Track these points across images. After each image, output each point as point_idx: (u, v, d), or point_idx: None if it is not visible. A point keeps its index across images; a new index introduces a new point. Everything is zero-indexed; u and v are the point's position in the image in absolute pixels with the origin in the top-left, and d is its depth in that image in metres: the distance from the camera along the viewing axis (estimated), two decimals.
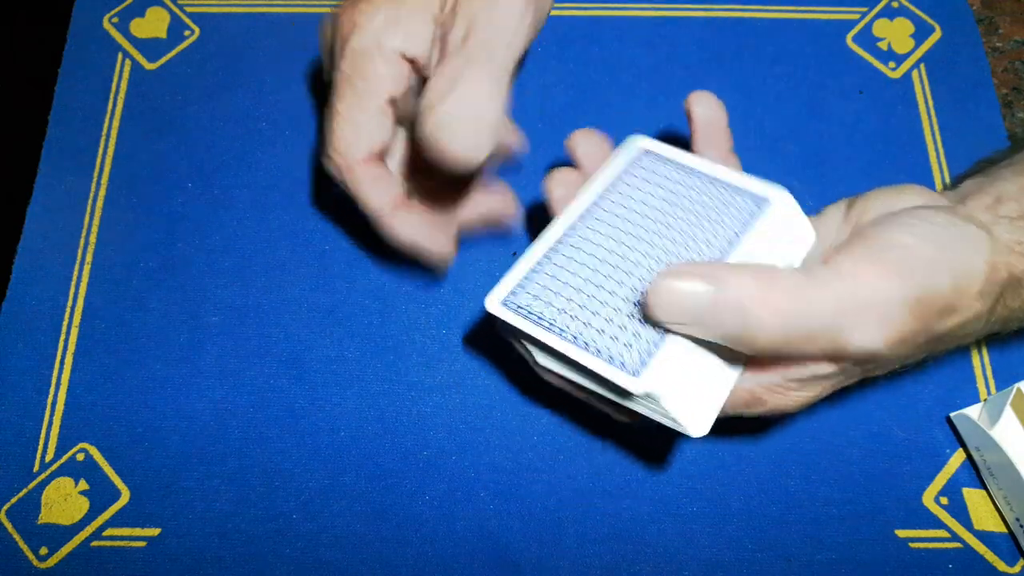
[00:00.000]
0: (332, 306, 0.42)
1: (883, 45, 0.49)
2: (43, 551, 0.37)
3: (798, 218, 0.30)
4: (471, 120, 0.28)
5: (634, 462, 0.40)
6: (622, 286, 0.28)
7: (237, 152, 0.46)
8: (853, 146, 0.46)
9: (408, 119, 0.34)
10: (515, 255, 0.32)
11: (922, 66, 0.49)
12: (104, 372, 0.41)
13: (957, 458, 0.40)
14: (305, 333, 0.42)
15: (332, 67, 0.33)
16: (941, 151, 0.46)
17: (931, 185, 0.45)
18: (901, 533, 0.38)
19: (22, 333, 0.41)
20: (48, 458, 0.39)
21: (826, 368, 0.28)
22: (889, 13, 0.50)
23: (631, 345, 0.27)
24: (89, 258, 0.43)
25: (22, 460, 0.39)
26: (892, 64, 0.49)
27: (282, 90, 0.47)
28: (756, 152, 0.46)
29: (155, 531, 0.38)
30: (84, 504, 0.38)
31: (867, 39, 0.49)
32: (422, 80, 0.33)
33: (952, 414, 0.40)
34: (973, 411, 0.38)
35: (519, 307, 0.29)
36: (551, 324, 0.28)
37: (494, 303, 0.29)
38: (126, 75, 0.48)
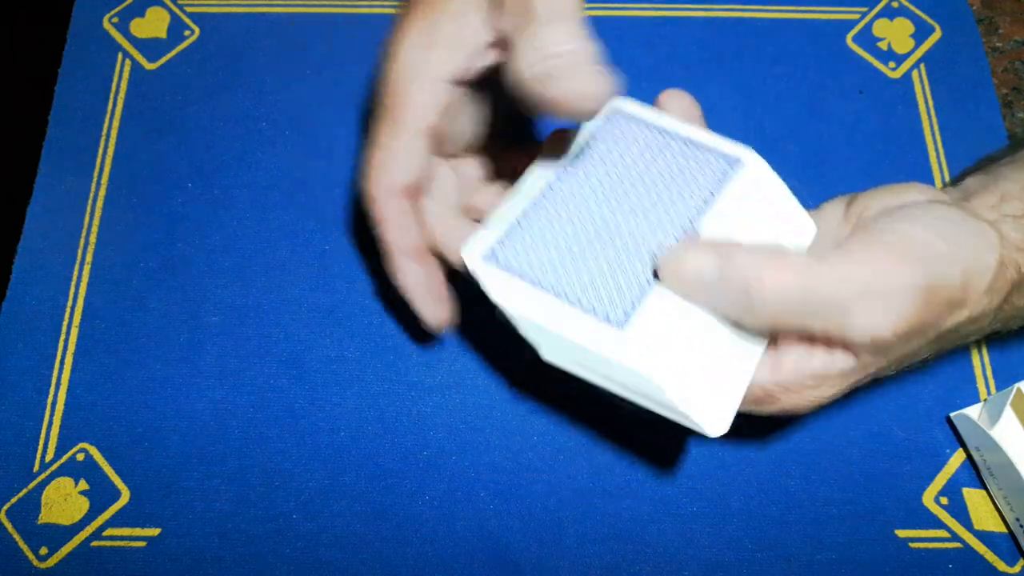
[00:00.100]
0: (332, 306, 0.42)
1: (883, 45, 0.49)
2: (43, 551, 0.37)
3: (772, 182, 0.30)
4: (579, 54, 0.26)
5: (634, 462, 0.40)
6: (602, 245, 0.28)
7: (237, 152, 0.46)
8: (853, 146, 0.46)
9: (457, 140, 0.34)
10: None
11: (922, 66, 0.49)
12: (104, 372, 0.41)
13: (957, 458, 0.40)
14: (305, 333, 0.42)
15: (378, 98, 0.32)
16: (941, 151, 0.46)
17: (931, 185, 0.45)
18: (901, 533, 0.38)
19: (22, 333, 0.41)
20: (48, 458, 0.39)
21: (840, 361, 0.27)
22: (889, 13, 0.50)
23: (615, 303, 0.26)
24: (89, 258, 0.43)
25: (22, 460, 0.39)
26: (892, 64, 0.49)
27: (282, 90, 0.47)
28: (756, 152, 0.46)
29: (155, 531, 0.38)
30: (84, 504, 0.38)
31: (867, 39, 0.49)
32: (471, 85, 0.32)
33: (952, 414, 0.40)
34: (973, 411, 0.38)
35: (498, 262, 0.28)
36: (533, 281, 0.27)
37: (474, 258, 0.28)
38: (126, 75, 0.48)
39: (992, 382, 0.41)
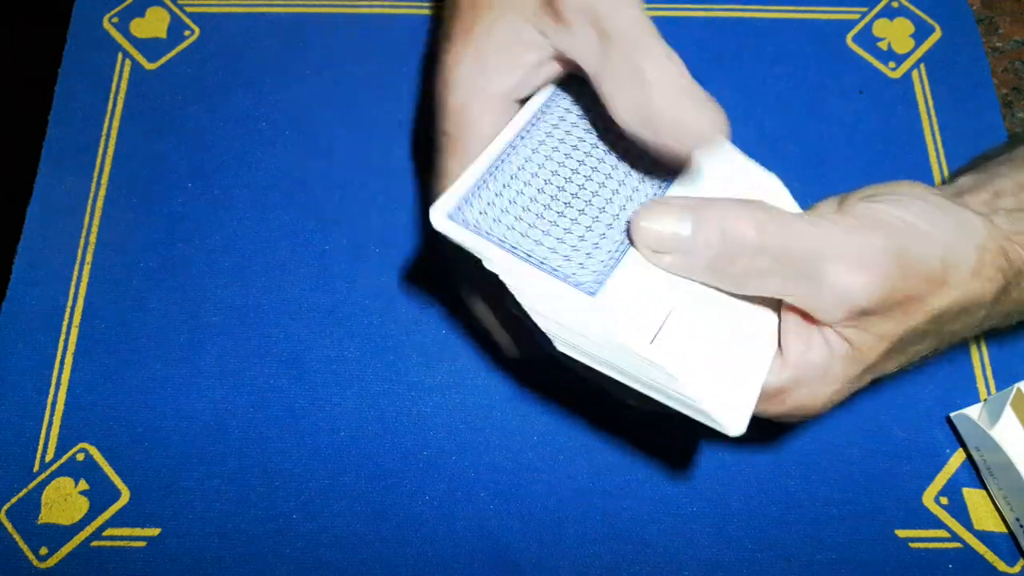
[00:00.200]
0: (332, 306, 0.42)
1: (883, 45, 0.49)
2: (43, 551, 0.37)
3: (736, 156, 0.30)
4: (685, 96, 0.26)
5: (634, 462, 0.40)
6: (570, 204, 0.27)
7: (237, 152, 0.46)
8: (853, 146, 0.46)
9: None
10: None
11: (922, 66, 0.49)
12: (104, 372, 0.41)
13: (957, 458, 0.40)
14: (305, 333, 0.42)
15: (437, 127, 0.31)
16: (941, 151, 0.46)
17: (931, 185, 0.45)
18: (901, 533, 0.38)
19: (22, 333, 0.41)
20: (48, 458, 0.39)
21: (838, 347, 0.27)
22: (889, 13, 0.50)
23: (584, 265, 0.26)
24: (89, 258, 0.43)
25: (22, 460, 0.39)
26: (892, 64, 0.49)
27: (282, 90, 0.47)
28: (756, 152, 0.46)
29: (155, 531, 0.38)
30: (84, 504, 0.38)
31: (867, 39, 0.49)
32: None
33: (952, 414, 0.40)
34: (973, 411, 0.38)
35: (466, 221, 0.27)
36: (501, 240, 0.26)
37: (440, 217, 0.27)
38: (126, 75, 0.48)
39: (992, 382, 0.41)
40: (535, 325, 0.28)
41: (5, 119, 0.48)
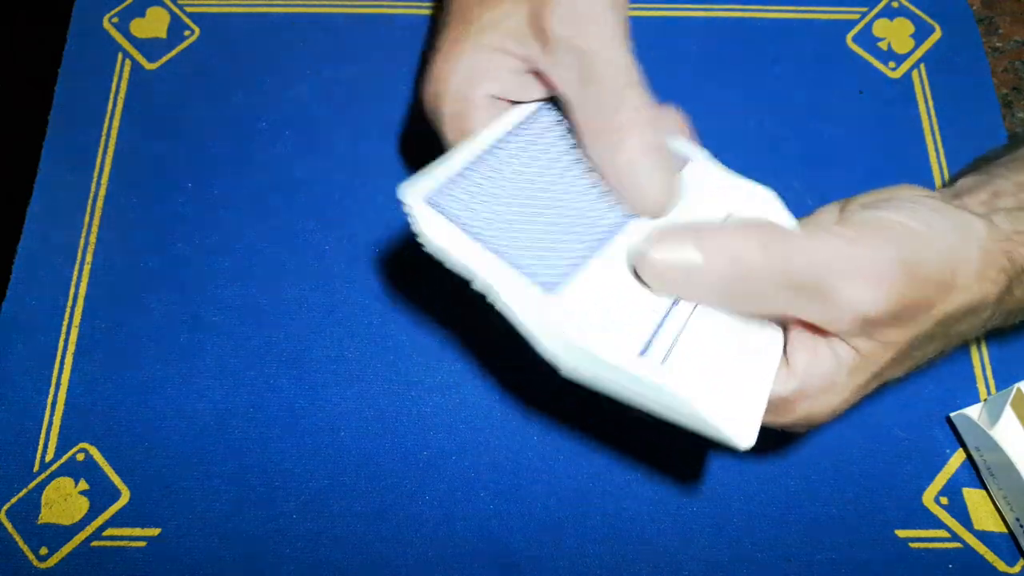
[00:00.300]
0: (332, 306, 0.42)
1: (883, 45, 0.49)
2: (43, 551, 0.37)
3: (715, 169, 0.30)
4: (645, 158, 0.27)
5: (634, 462, 0.40)
6: (545, 211, 0.27)
7: (237, 152, 0.46)
8: (853, 146, 0.46)
9: None
10: None
11: (922, 66, 0.49)
12: (104, 372, 0.41)
13: (957, 458, 0.40)
14: (305, 333, 0.42)
15: (440, 134, 0.32)
16: (941, 151, 0.46)
17: (931, 185, 0.45)
18: (901, 533, 0.38)
19: (22, 333, 0.41)
20: (48, 458, 0.39)
21: (846, 357, 0.27)
22: (889, 13, 0.50)
23: (553, 265, 0.26)
24: (89, 258, 0.43)
25: (22, 460, 0.39)
26: (892, 64, 0.49)
27: (282, 90, 0.47)
28: (756, 152, 0.46)
29: (155, 531, 0.38)
30: (84, 504, 0.38)
31: (867, 39, 0.49)
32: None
33: (952, 414, 0.40)
34: (973, 411, 0.38)
35: (439, 205, 0.26)
36: (474, 233, 0.26)
37: (415, 197, 0.26)
38: (126, 75, 0.48)
39: (992, 382, 0.41)
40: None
41: (5, 119, 0.48)
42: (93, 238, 0.43)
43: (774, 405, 0.28)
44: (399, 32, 0.49)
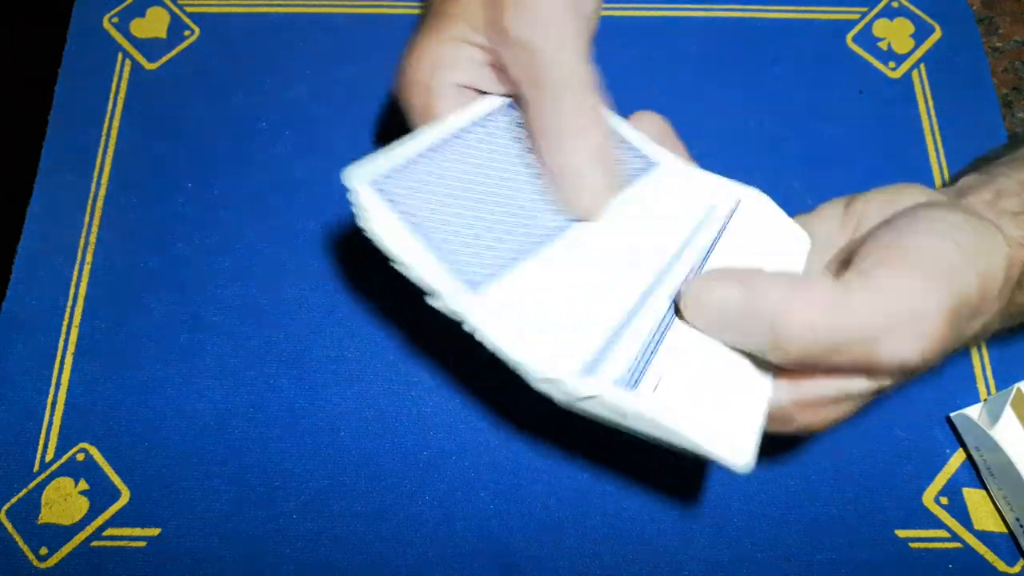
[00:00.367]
0: (332, 306, 0.42)
1: (883, 45, 0.49)
2: (43, 551, 0.37)
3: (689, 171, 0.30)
4: (588, 162, 0.27)
5: (634, 462, 0.40)
6: (495, 204, 0.27)
7: (237, 152, 0.46)
8: (853, 146, 0.46)
9: None
10: None
11: (922, 66, 0.49)
12: (104, 372, 0.41)
13: (957, 458, 0.40)
14: (305, 333, 0.42)
15: (411, 126, 0.32)
16: (941, 151, 0.46)
17: (931, 185, 0.45)
18: (901, 533, 0.38)
19: (22, 333, 0.41)
20: (48, 458, 0.39)
21: (861, 384, 0.27)
22: (889, 13, 0.50)
23: (486, 263, 0.25)
24: (89, 258, 0.43)
25: (22, 460, 0.39)
26: (892, 64, 0.49)
27: (282, 90, 0.47)
28: (756, 152, 0.46)
29: (155, 531, 0.38)
30: (84, 504, 0.38)
31: (867, 39, 0.49)
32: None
33: (952, 414, 0.40)
34: (973, 411, 0.38)
35: (382, 191, 0.26)
36: (413, 224, 0.26)
37: (359, 180, 0.26)
38: (126, 75, 0.48)
39: (992, 382, 0.41)
40: None
41: (5, 119, 0.48)
42: (93, 238, 0.43)
43: (773, 417, 0.28)
44: (399, 32, 0.49)
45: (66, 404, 0.40)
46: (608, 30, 0.49)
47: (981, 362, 0.42)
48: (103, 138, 0.46)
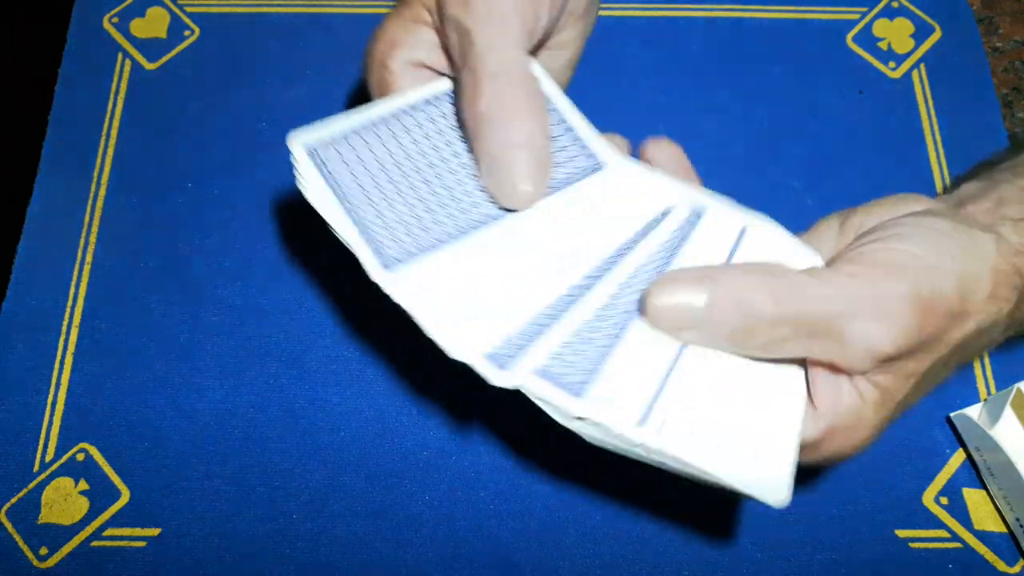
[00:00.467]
0: (332, 306, 0.42)
1: (883, 45, 0.49)
2: (43, 551, 0.37)
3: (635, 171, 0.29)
4: (504, 150, 0.27)
5: (634, 463, 0.40)
6: (428, 185, 0.27)
7: (237, 152, 0.46)
8: (853, 146, 0.46)
9: None
10: None
11: (922, 66, 0.49)
12: (104, 372, 0.41)
13: (957, 458, 0.40)
14: (305, 333, 0.42)
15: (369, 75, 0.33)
16: (941, 151, 0.46)
17: (931, 185, 0.45)
18: (901, 533, 0.38)
19: (22, 333, 0.41)
20: (48, 458, 0.39)
21: (868, 393, 0.27)
22: (889, 13, 0.50)
23: (407, 245, 0.25)
24: (89, 258, 0.43)
25: (22, 460, 0.39)
26: (892, 64, 0.49)
27: (282, 90, 0.47)
28: (756, 152, 0.46)
29: (155, 531, 0.38)
30: (84, 504, 0.38)
31: (867, 39, 0.49)
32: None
33: (952, 414, 0.40)
34: (973, 411, 0.38)
35: (318, 157, 0.26)
36: (336, 188, 0.26)
37: (297, 144, 0.27)
38: (126, 75, 0.48)
39: (992, 382, 0.41)
40: None
41: (5, 119, 0.48)
42: (93, 238, 0.43)
43: (802, 446, 0.28)
44: None
45: (66, 404, 0.40)
46: (608, 30, 0.49)
47: (981, 362, 0.42)
48: (103, 138, 0.46)
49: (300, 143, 0.27)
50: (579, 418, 0.24)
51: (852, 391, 0.27)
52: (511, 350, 0.24)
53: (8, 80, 0.49)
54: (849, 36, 0.49)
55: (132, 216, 0.44)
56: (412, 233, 0.26)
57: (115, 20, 0.49)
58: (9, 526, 0.38)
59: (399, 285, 0.24)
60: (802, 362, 0.28)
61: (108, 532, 0.38)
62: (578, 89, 0.47)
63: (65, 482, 0.39)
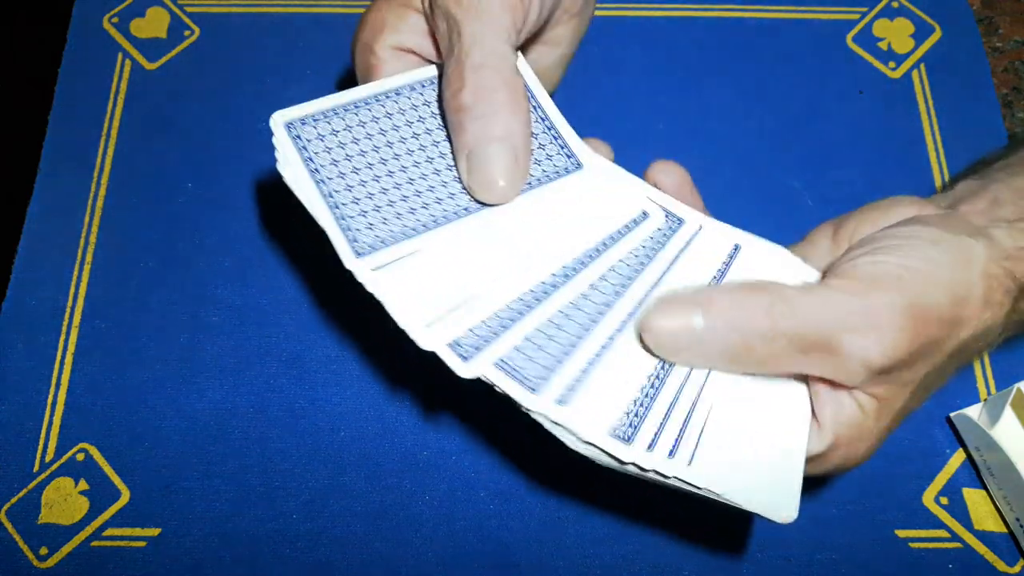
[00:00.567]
0: (332, 306, 0.42)
1: (883, 45, 0.49)
2: (43, 551, 0.37)
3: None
4: (483, 143, 0.27)
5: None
6: (405, 173, 0.27)
7: (237, 152, 0.46)
8: (853, 146, 0.46)
9: None
10: None
11: (922, 66, 0.49)
12: (104, 372, 0.41)
13: (957, 458, 0.40)
14: (305, 333, 0.42)
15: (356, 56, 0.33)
16: (941, 151, 0.46)
17: (931, 185, 0.45)
18: (901, 533, 0.38)
19: (22, 333, 0.41)
20: (48, 458, 0.39)
21: (867, 403, 0.27)
22: (889, 13, 0.50)
23: (379, 232, 0.25)
24: (89, 258, 0.43)
25: (22, 460, 0.39)
26: (892, 64, 0.49)
27: (282, 90, 0.47)
28: (756, 152, 0.46)
29: (155, 531, 0.38)
30: (84, 504, 0.38)
31: (867, 39, 0.49)
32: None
33: (952, 414, 0.40)
34: (973, 411, 0.38)
35: (297, 135, 0.27)
36: (313, 168, 0.26)
37: (278, 121, 0.27)
38: (126, 75, 0.48)
39: (992, 382, 0.41)
40: None
41: (5, 119, 0.48)
42: (93, 238, 0.43)
43: (807, 459, 0.28)
44: None
45: (66, 404, 0.40)
46: (608, 30, 0.49)
47: (981, 362, 0.42)
48: (103, 138, 0.46)
49: (280, 119, 0.27)
50: (588, 442, 0.25)
51: (852, 404, 0.28)
52: (477, 342, 0.24)
53: (8, 80, 0.49)
54: (849, 36, 0.49)
55: (132, 216, 0.44)
56: (387, 220, 0.26)
57: (115, 20, 0.49)
58: (9, 526, 0.38)
59: (371, 272, 0.25)
60: (804, 378, 0.28)
61: (108, 532, 0.38)
62: (579, 89, 0.47)
63: (65, 482, 0.39)
